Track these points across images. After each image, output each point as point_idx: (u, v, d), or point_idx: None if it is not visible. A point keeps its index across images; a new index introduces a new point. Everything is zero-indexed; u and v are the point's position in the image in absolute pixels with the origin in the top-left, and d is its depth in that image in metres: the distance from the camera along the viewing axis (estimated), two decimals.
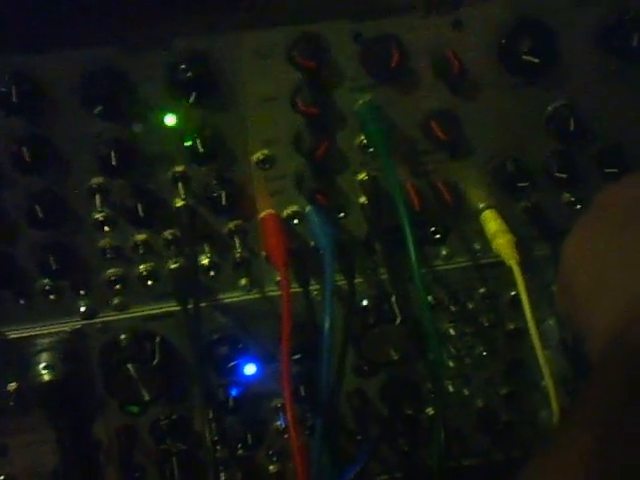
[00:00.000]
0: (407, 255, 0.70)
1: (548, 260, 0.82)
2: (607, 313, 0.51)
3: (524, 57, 0.70)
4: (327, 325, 0.73)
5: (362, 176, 0.77)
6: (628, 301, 0.50)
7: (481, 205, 0.81)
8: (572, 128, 0.75)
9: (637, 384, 0.43)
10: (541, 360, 0.74)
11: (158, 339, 0.82)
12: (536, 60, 0.70)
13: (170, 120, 0.71)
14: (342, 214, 0.79)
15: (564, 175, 0.78)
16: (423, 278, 0.70)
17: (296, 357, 0.82)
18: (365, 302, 0.84)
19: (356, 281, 0.81)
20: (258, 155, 0.74)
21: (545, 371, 0.74)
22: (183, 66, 0.68)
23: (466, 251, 0.84)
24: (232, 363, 0.84)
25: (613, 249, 0.54)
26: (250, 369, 0.85)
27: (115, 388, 0.81)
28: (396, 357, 0.83)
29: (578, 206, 0.80)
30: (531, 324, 0.74)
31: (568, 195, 0.81)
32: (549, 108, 0.76)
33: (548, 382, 0.75)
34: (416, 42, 0.71)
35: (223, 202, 0.74)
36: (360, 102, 0.73)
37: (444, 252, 0.83)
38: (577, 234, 0.58)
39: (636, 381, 0.43)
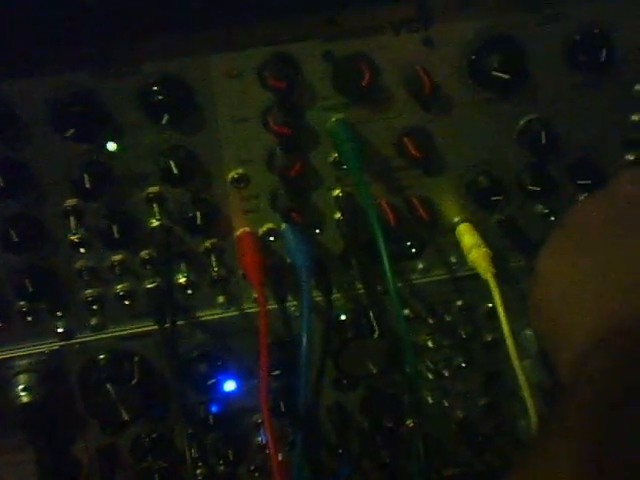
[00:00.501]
0: (382, 270, 0.70)
1: (524, 271, 0.83)
2: (582, 328, 0.52)
3: (494, 73, 0.71)
4: (305, 341, 0.73)
5: (337, 192, 0.77)
6: (602, 316, 0.50)
7: (456, 219, 0.81)
8: (544, 141, 0.75)
9: (625, 389, 0.43)
10: (518, 372, 0.75)
11: (137, 358, 0.82)
12: (506, 76, 0.71)
13: (143, 142, 0.71)
14: (318, 230, 0.79)
15: (537, 188, 0.78)
16: (398, 292, 0.71)
17: (275, 373, 0.83)
18: (343, 316, 0.84)
19: (334, 296, 0.82)
20: (233, 174, 0.75)
21: (522, 382, 0.75)
22: (155, 88, 0.68)
23: (443, 264, 0.84)
24: (211, 380, 0.84)
25: (582, 268, 0.55)
26: (230, 386, 0.86)
27: (95, 408, 0.81)
28: (375, 370, 0.83)
29: (552, 217, 0.81)
30: (507, 336, 0.74)
31: (542, 207, 0.82)
32: (521, 122, 0.77)
33: (525, 393, 0.75)
34: (387, 60, 0.72)
35: (198, 222, 0.74)
36: (333, 120, 0.73)
37: (421, 266, 0.84)
38: (548, 251, 0.59)
39: (624, 386, 0.44)
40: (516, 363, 0.75)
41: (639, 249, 0.53)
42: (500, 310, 0.75)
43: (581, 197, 0.80)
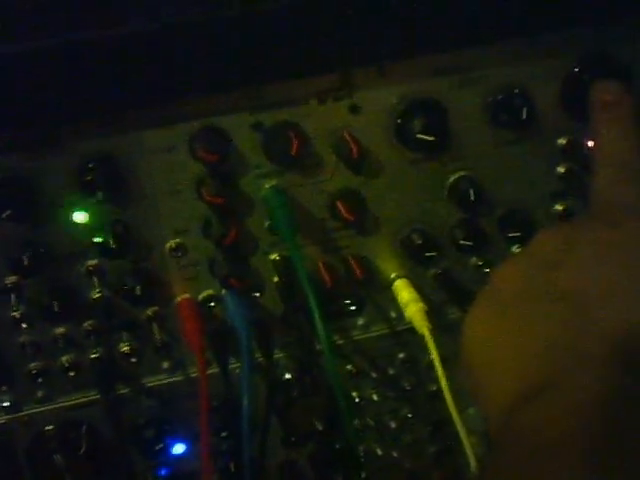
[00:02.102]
0: (316, 331, 0.71)
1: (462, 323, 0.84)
2: (503, 389, 0.54)
3: (418, 136, 0.73)
4: (246, 402, 0.74)
5: (274, 256, 0.79)
6: (522, 377, 0.52)
7: (393, 275, 0.83)
8: (472, 198, 0.77)
9: (546, 447, 0.45)
10: (456, 423, 0.76)
11: (84, 428, 0.82)
12: (430, 138, 0.73)
13: (80, 218, 0.72)
14: (258, 294, 0.81)
15: (469, 243, 0.81)
16: (333, 353, 0.73)
17: (223, 434, 0.84)
18: (288, 375, 0.86)
19: (277, 356, 0.83)
20: (170, 244, 0.76)
21: (461, 434, 0.76)
22: (90, 166, 0.70)
23: (383, 319, 0.86)
24: (160, 444, 0.85)
25: (502, 329, 0.57)
26: (179, 449, 0.86)
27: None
28: (321, 428, 0.84)
29: (486, 269, 0.83)
30: (445, 389, 0.76)
31: (476, 259, 0.84)
32: (450, 180, 0.79)
33: (465, 443, 0.77)
34: (315, 128, 0.74)
35: (138, 292, 0.75)
36: (266, 187, 0.75)
37: (361, 322, 0.86)
38: (472, 312, 0.61)
39: (545, 445, 0.45)
40: (454, 414, 0.76)
41: (553, 306, 0.54)
42: (437, 364, 0.76)
43: (513, 248, 0.82)
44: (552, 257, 0.57)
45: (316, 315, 0.71)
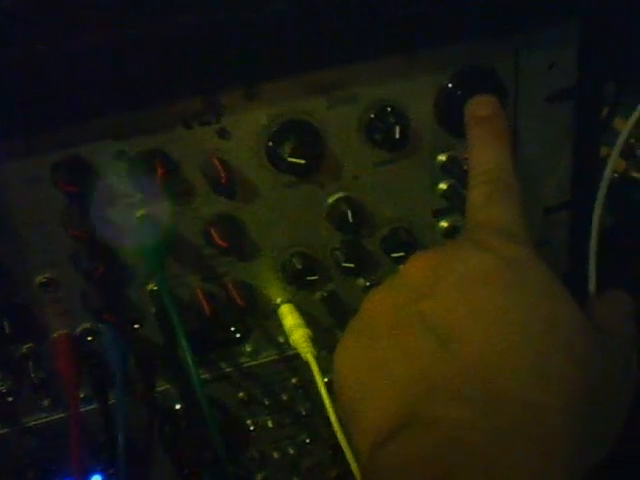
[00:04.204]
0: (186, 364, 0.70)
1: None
2: (371, 419, 0.52)
3: (289, 159, 0.71)
4: (121, 439, 0.73)
5: (151, 286, 0.77)
6: (389, 408, 0.51)
7: (278, 300, 0.82)
8: (351, 220, 0.76)
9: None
10: (345, 449, 0.74)
11: None
12: (301, 161, 0.71)
13: None
14: (137, 325, 0.78)
15: (352, 265, 0.79)
16: (202, 385, 0.72)
17: (111, 471, 0.82)
18: (177, 406, 0.84)
19: (165, 387, 0.81)
20: (40, 279, 0.73)
21: (350, 460, 0.75)
22: None
23: (271, 345, 0.85)
24: None
25: (370, 358, 0.55)
26: None
27: None
28: (212, 458, 0.83)
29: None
30: (331, 414, 0.74)
31: (363, 280, 0.82)
32: (328, 202, 0.77)
33: (355, 470, 0.75)
34: (183, 154, 0.72)
35: (7, 330, 0.73)
36: (137, 217, 0.73)
37: (249, 349, 0.84)
38: (345, 339, 0.59)
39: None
40: (342, 441, 0.75)
41: (419, 339, 0.53)
42: (322, 390, 0.75)
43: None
44: (420, 286, 0.56)
45: (186, 349, 0.69)
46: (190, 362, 0.69)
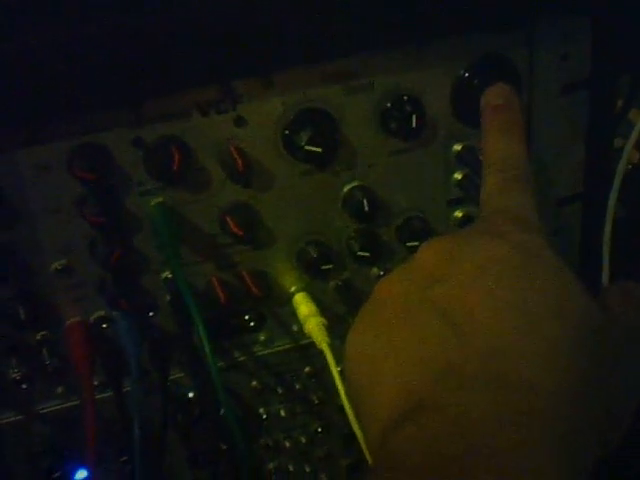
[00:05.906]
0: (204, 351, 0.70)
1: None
2: (384, 404, 0.52)
3: (306, 147, 0.71)
4: (136, 426, 0.74)
5: (165, 274, 0.77)
6: (402, 391, 0.51)
7: (292, 289, 0.82)
8: (367, 208, 0.76)
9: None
10: (359, 438, 0.74)
11: None
12: (318, 149, 0.71)
13: None
14: (152, 313, 0.78)
15: (367, 254, 0.79)
16: (218, 372, 0.72)
17: (123, 459, 0.82)
18: (191, 394, 0.84)
19: (178, 375, 0.81)
20: (56, 265, 0.73)
21: (364, 448, 0.75)
22: None
23: (285, 334, 0.85)
24: (61, 471, 0.82)
25: (382, 343, 0.55)
26: (81, 474, 0.84)
27: None
28: (225, 447, 0.83)
29: None
30: (346, 403, 0.74)
31: (377, 270, 0.82)
32: (343, 190, 0.77)
33: (369, 457, 0.75)
34: (199, 142, 0.71)
35: (22, 317, 0.73)
36: (152, 205, 0.73)
37: (263, 338, 0.84)
38: (354, 328, 0.59)
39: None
40: (356, 429, 0.75)
41: (431, 324, 0.53)
42: (337, 379, 0.75)
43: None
44: (433, 272, 0.55)
45: (203, 336, 0.69)
46: (207, 350, 0.69)
